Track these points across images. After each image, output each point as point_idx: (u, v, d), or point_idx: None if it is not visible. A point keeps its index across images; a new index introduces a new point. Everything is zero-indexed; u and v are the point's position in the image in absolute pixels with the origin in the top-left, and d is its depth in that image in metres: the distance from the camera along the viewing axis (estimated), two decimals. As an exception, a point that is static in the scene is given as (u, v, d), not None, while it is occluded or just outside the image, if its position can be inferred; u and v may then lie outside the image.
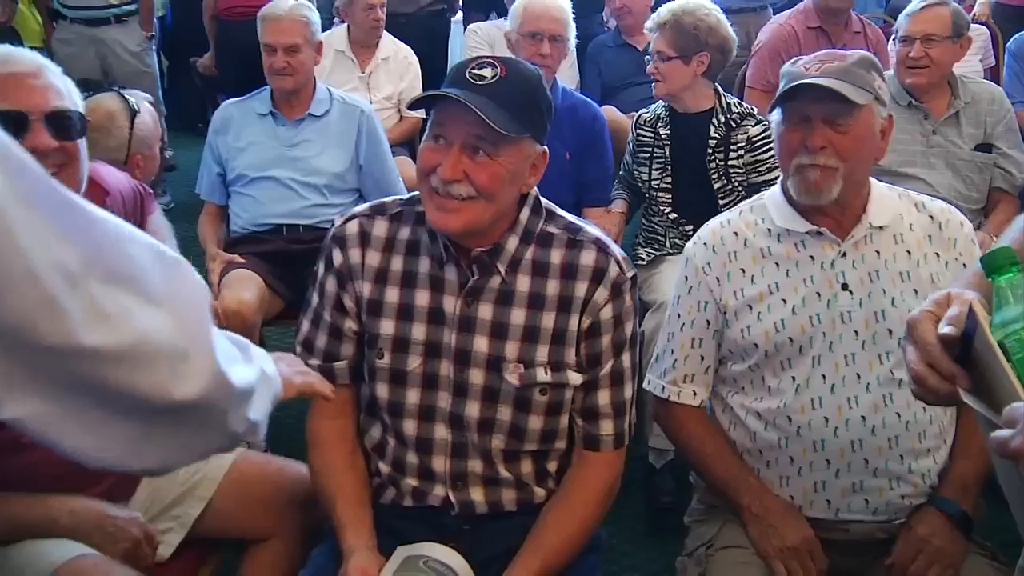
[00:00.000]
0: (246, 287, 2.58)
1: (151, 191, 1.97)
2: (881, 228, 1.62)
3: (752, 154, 2.72)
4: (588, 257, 1.47)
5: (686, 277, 1.71)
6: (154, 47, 4.53)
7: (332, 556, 1.51)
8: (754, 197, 1.76)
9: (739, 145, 2.71)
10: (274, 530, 1.74)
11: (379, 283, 1.50)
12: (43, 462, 1.51)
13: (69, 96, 1.58)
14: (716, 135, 2.73)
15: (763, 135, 2.72)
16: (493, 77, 1.36)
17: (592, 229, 1.52)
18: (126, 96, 2.34)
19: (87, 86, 2.60)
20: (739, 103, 2.80)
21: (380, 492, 1.56)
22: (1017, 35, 3.77)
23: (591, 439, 1.51)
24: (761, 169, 2.72)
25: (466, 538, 1.50)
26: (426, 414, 1.49)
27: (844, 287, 1.60)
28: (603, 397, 1.49)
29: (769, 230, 1.66)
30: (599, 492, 1.51)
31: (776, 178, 2.62)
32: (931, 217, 1.65)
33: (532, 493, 1.53)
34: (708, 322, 1.67)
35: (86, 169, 1.61)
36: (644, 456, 2.60)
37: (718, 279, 1.66)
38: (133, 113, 2.29)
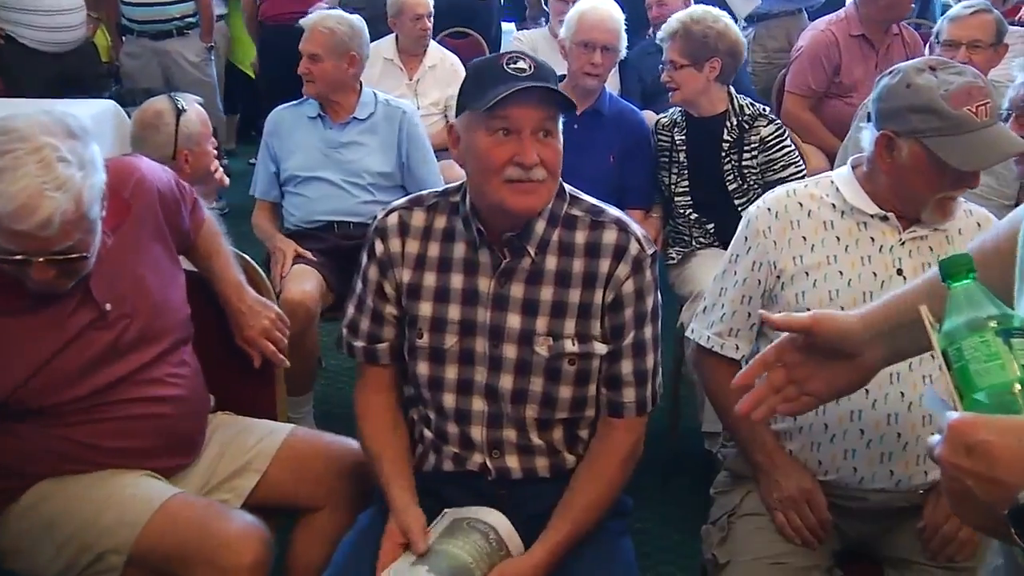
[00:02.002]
0: (307, 279, 2.73)
1: (196, 197, 2.00)
2: (936, 229, 1.68)
3: (765, 154, 2.78)
4: (610, 236, 1.57)
5: (745, 237, 1.77)
6: (213, 57, 4.73)
7: (377, 519, 1.61)
8: (820, 175, 1.83)
9: (752, 146, 2.78)
10: (324, 500, 1.83)
11: (417, 269, 1.61)
12: (98, 436, 1.68)
13: (83, 220, 1.53)
14: (729, 138, 2.80)
15: (775, 135, 2.78)
16: (530, 68, 1.48)
17: (613, 210, 1.62)
18: (175, 98, 2.49)
19: (150, 95, 2.77)
20: (752, 104, 2.85)
21: (423, 460, 1.67)
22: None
23: (615, 406, 1.60)
24: (776, 167, 2.77)
25: (503, 502, 1.59)
26: (463, 387, 1.60)
27: (899, 272, 1.65)
28: (625, 366, 1.59)
29: (834, 205, 1.72)
30: (622, 456, 1.60)
31: (791, 175, 2.72)
32: (978, 224, 1.71)
33: (564, 459, 1.63)
34: (759, 282, 1.74)
35: (92, 260, 1.61)
36: (676, 451, 2.70)
37: (775, 242, 1.72)
38: (179, 112, 2.43)
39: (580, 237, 1.58)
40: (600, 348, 1.58)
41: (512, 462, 1.61)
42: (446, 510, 1.60)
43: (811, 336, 1.16)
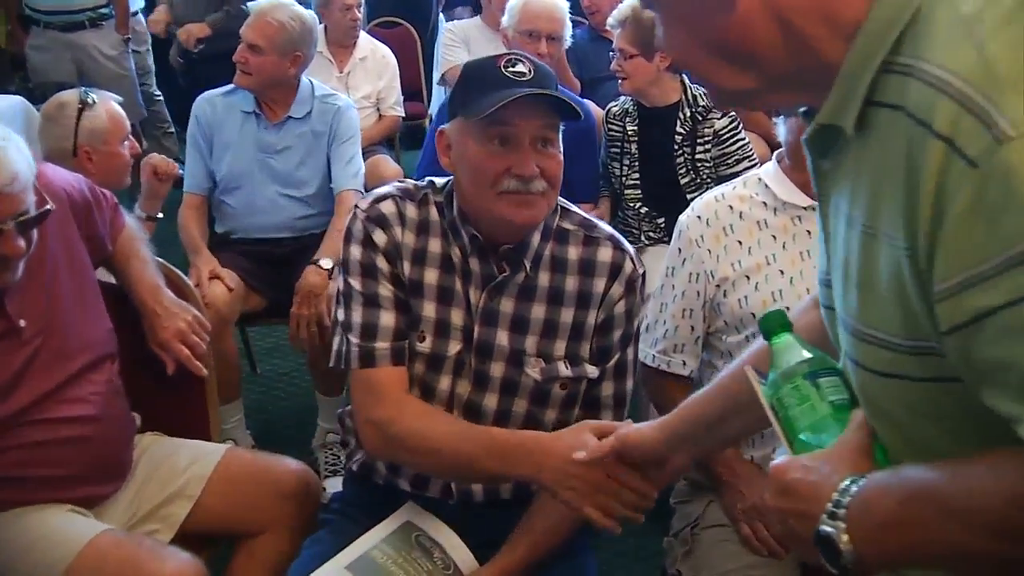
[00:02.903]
0: (220, 285, 2.58)
1: (115, 201, 1.89)
2: None
3: (719, 147, 2.73)
4: (605, 253, 1.49)
5: (679, 249, 1.72)
6: (131, 50, 4.49)
7: (324, 546, 1.52)
8: (747, 174, 1.79)
9: (706, 139, 2.74)
10: (263, 525, 1.74)
11: (417, 264, 1.47)
12: (17, 465, 1.57)
13: (30, 173, 1.51)
14: (683, 130, 2.75)
15: (729, 128, 2.73)
16: (530, 73, 1.37)
17: (604, 225, 1.55)
18: (86, 92, 2.36)
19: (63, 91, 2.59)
20: (705, 95, 2.79)
21: (374, 470, 1.57)
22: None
23: None
24: (729, 162, 2.73)
25: (462, 524, 1.52)
26: (449, 400, 1.49)
27: None
28: (606, 389, 1.52)
29: (765, 203, 1.68)
30: None
31: (745, 169, 2.68)
32: None
33: (528, 484, 1.53)
34: (698, 293, 1.69)
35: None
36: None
37: (710, 251, 1.68)
38: (83, 105, 2.30)
39: (573, 253, 1.50)
40: (592, 371, 1.50)
41: (477, 486, 1.53)
42: (408, 503, 1.53)
43: (620, 455, 1.29)
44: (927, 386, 0.73)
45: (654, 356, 1.74)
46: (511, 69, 1.37)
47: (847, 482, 0.78)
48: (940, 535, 0.71)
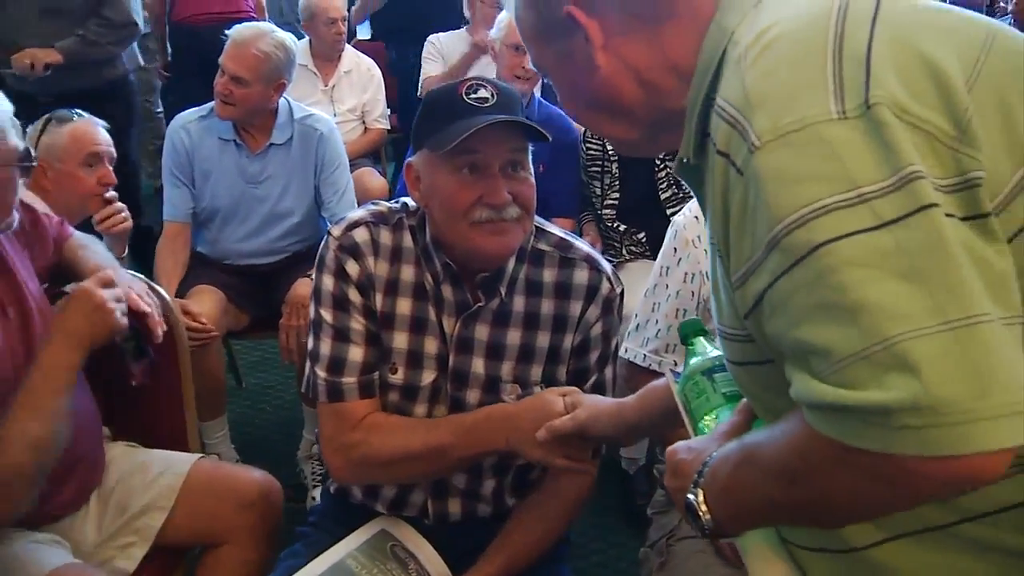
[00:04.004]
0: (206, 300, 2.57)
1: (61, 219, 1.84)
2: None
3: None
4: (581, 276, 1.47)
5: (675, 248, 1.70)
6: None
7: (300, 560, 1.51)
8: None
9: None
10: (226, 536, 1.73)
11: (390, 294, 1.45)
12: None
13: None
14: None
15: None
16: (493, 97, 1.35)
17: (582, 244, 1.52)
18: (69, 113, 2.34)
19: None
20: None
21: (349, 493, 1.56)
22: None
23: None
24: None
25: (439, 540, 1.51)
26: None
27: None
28: None
29: None
30: (572, 500, 1.52)
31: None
32: None
33: (506, 501, 1.55)
34: (693, 293, 1.68)
35: None
36: (616, 459, 2.64)
37: (707, 251, 1.66)
38: (51, 120, 2.29)
39: (548, 275, 1.47)
40: None
41: (454, 507, 1.53)
42: (380, 516, 1.53)
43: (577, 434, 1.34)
44: (770, 367, 0.81)
45: (645, 355, 1.72)
46: (473, 96, 1.34)
47: (709, 456, 0.88)
48: (758, 490, 0.80)
